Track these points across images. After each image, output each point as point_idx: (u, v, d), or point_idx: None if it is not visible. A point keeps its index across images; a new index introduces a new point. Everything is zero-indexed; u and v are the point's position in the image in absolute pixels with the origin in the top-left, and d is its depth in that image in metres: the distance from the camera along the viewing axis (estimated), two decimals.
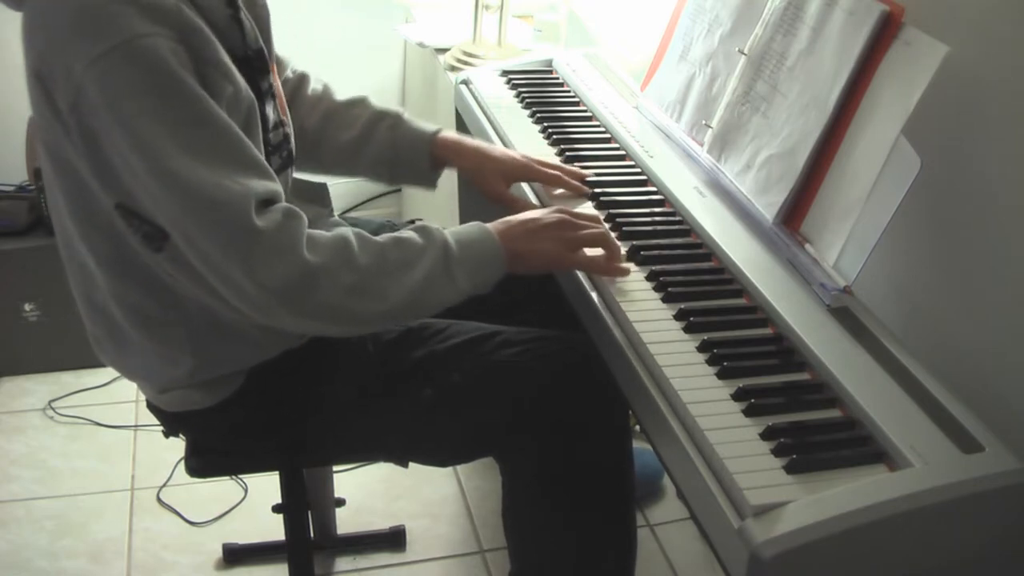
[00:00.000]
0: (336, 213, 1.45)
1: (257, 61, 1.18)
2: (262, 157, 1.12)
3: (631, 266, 1.23)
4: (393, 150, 1.43)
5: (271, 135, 1.23)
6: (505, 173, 1.40)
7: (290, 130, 1.29)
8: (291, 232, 1.08)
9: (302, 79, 1.47)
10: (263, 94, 1.19)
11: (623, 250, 1.25)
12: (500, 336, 1.32)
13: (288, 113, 1.32)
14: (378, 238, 1.15)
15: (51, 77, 1.05)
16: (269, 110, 1.22)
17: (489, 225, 1.20)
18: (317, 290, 1.09)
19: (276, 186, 1.11)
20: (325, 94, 1.47)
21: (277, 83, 1.28)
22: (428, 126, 1.44)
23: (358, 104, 1.46)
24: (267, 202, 1.09)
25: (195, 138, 1.05)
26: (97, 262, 1.19)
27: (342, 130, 1.44)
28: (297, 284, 1.08)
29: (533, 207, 1.35)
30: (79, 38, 1.02)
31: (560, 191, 1.40)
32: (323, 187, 1.43)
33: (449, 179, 1.53)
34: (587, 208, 1.36)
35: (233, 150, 1.08)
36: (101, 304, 1.24)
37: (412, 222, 1.83)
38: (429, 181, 1.46)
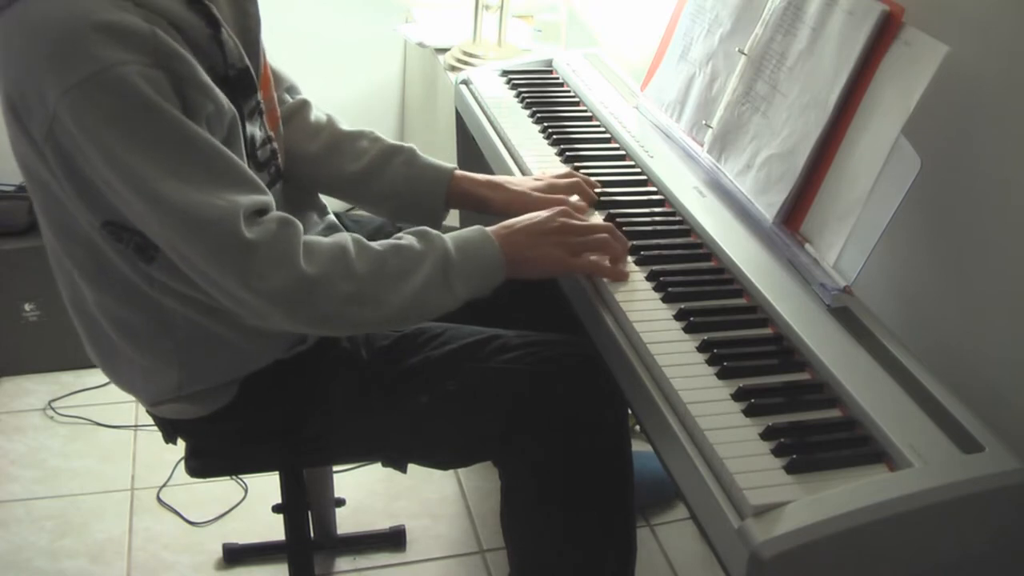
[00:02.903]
0: (332, 212, 1.45)
1: (240, 81, 1.16)
2: (248, 170, 1.11)
3: (631, 266, 1.23)
4: (408, 185, 1.39)
5: (259, 152, 1.22)
6: (531, 187, 1.36)
7: (277, 145, 1.28)
8: (286, 242, 1.08)
9: (303, 104, 1.44)
10: (247, 114, 1.18)
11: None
12: (498, 340, 1.31)
13: (280, 126, 1.30)
14: (377, 245, 1.14)
15: (24, 106, 1.04)
16: (256, 128, 1.20)
17: (490, 230, 1.20)
18: (315, 299, 1.09)
19: (266, 197, 1.10)
20: (329, 123, 1.44)
21: (268, 96, 1.26)
22: (444, 164, 1.41)
23: (366, 136, 1.43)
24: (258, 213, 1.09)
25: (176, 160, 1.04)
26: (82, 276, 1.19)
27: (349, 161, 1.41)
28: (294, 293, 1.08)
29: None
30: (52, 68, 1.00)
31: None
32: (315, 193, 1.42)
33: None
34: (593, 216, 1.35)
35: (216, 167, 1.07)
36: (89, 315, 1.24)
37: None
38: (437, 220, 1.41)
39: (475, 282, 1.16)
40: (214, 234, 1.05)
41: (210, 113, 1.08)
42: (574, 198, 1.35)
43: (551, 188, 1.36)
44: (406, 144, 1.43)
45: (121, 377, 1.30)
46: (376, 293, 1.12)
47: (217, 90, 1.10)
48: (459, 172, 1.40)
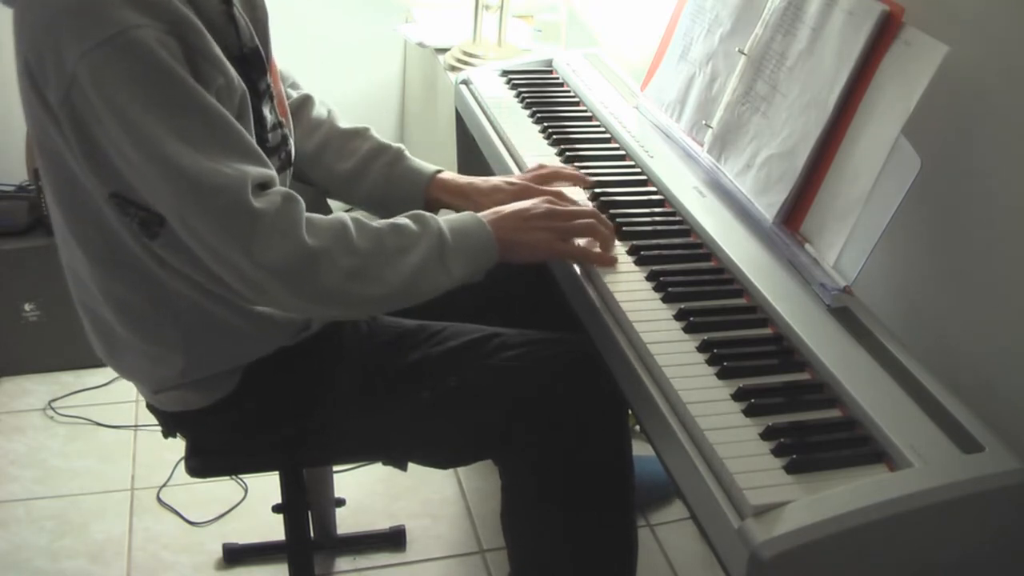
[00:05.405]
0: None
1: (253, 59, 1.18)
2: (255, 144, 1.13)
3: (632, 266, 1.23)
4: (388, 187, 1.40)
5: (269, 135, 1.23)
6: (503, 203, 1.33)
7: (289, 131, 1.29)
8: (290, 214, 1.09)
9: (306, 100, 1.45)
10: (261, 93, 1.20)
11: (624, 249, 1.25)
12: (498, 338, 1.31)
13: (289, 115, 1.31)
14: (375, 224, 1.16)
15: (41, 71, 1.06)
16: (267, 110, 1.22)
17: (482, 215, 1.22)
18: (317, 273, 1.10)
19: (271, 172, 1.12)
20: (328, 120, 1.45)
21: (277, 85, 1.28)
22: (428, 166, 1.41)
23: (359, 135, 1.44)
24: (263, 186, 1.10)
25: (188, 126, 1.06)
26: (88, 258, 1.19)
27: (339, 160, 1.42)
28: (296, 266, 1.09)
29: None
30: (70, 31, 1.02)
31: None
32: (321, 193, 1.43)
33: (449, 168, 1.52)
34: (577, 195, 1.36)
35: (226, 137, 1.09)
36: (92, 305, 1.24)
37: None
38: None
39: (470, 264, 1.18)
40: (221, 201, 1.06)
41: (220, 87, 1.10)
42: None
43: (524, 191, 1.32)
44: (395, 144, 1.44)
45: (124, 365, 1.30)
46: (375, 269, 1.13)
47: (228, 65, 1.12)
48: (440, 176, 1.40)
